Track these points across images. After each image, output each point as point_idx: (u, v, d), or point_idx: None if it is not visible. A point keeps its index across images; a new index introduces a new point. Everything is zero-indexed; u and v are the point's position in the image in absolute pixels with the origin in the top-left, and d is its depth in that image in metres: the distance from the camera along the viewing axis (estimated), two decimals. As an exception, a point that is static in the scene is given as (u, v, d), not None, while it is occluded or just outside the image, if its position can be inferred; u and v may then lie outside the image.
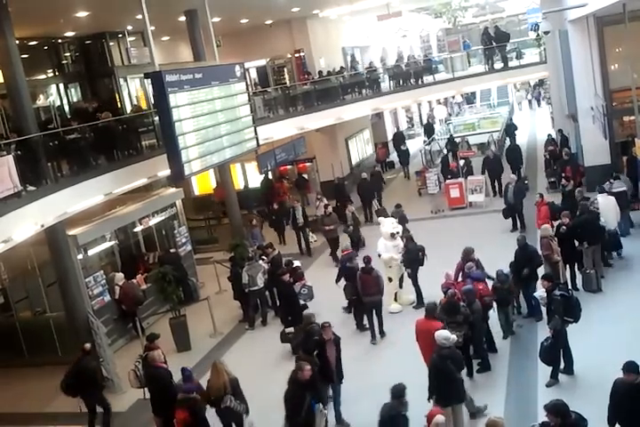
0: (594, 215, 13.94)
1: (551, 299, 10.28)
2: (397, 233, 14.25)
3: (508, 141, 28.23)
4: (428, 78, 27.18)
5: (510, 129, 29.17)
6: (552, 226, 14.15)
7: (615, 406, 7.64)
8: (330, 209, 18.62)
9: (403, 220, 16.92)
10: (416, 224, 18.48)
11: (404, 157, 28.38)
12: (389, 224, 14.47)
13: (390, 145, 32.88)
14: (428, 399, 8.85)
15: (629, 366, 7.52)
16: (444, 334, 8.98)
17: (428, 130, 33.63)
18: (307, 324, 10.82)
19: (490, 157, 21.95)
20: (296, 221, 19.34)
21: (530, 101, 47.01)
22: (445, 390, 8.81)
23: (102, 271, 14.67)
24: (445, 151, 27.28)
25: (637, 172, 15.42)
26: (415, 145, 33.63)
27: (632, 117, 16.21)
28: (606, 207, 14.19)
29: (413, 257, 13.96)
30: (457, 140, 28.64)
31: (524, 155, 24.82)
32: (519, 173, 21.78)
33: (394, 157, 31.40)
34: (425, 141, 30.72)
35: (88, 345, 11.48)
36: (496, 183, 21.76)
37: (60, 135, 13.00)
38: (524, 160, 24.16)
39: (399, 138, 30.99)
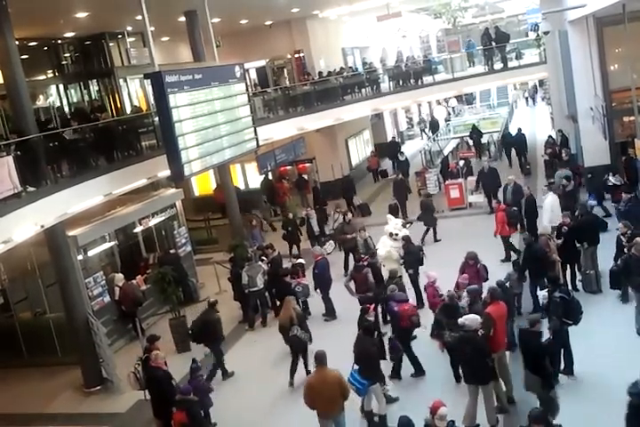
0: (593, 216, 14.01)
1: (551, 300, 10.27)
2: (396, 235, 14.23)
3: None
4: (427, 79, 27.18)
5: (506, 139, 26.98)
6: (508, 231, 15.47)
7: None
8: (349, 216, 17.88)
9: (429, 209, 18.09)
10: (416, 225, 18.50)
11: (404, 168, 25.73)
12: (393, 224, 14.53)
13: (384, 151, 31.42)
14: (458, 380, 9.66)
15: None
16: (471, 317, 9.28)
17: (434, 126, 34.56)
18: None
19: (484, 170, 20.49)
20: (312, 229, 19.06)
21: (526, 99, 47.32)
22: (468, 369, 9.19)
23: (102, 272, 14.67)
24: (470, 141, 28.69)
25: (636, 172, 15.41)
26: (415, 146, 33.75)
27: (632, 118, 16.21)
28: (552, 205, 15.28)
29: (414, 258, 13.96)
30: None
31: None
32: (525, 159, 24.60)
33: (387, 164, 29.89)
34: (430, 137, 31.46)
35: (213, 299, 12.56)
36: (492, 199, 19.71)
37: (60, 136, 12.99)
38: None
39: (394, 147, 29.33)
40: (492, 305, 9.89)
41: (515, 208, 16.25)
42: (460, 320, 9.19)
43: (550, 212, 15.31)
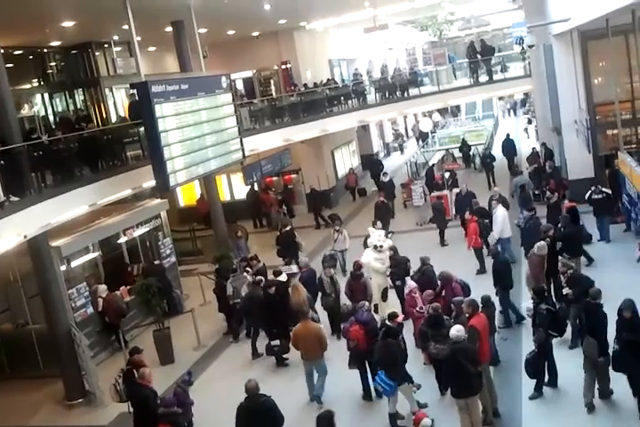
0: (577, 228, 14.10)
1: (537, 312, 10.29)
2: (381, 246, 14.22)
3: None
4: (413, 91, 27.35)
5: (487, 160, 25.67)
6: (480, 243, 15.66)
7: None
8: (404, 229, 17.20)
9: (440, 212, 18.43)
10: (401, 236, 18.52)
11: (387, 189, 22.87)
12: (376, 236, 14.48)
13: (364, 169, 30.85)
14: (443, 393, 9.54)
15: None
16: (457, 327, 9.19)
17: (423, 136, 34.77)
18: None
19: (462, 193, 19.50)
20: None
21: (509, 111, 47.90)
22: (457, 382, 9.05)
23: (85, 283, 14.51)
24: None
25: (620, 185, 15.53)
26: (401, 158, 33.94)
27: (615, 131, 16.36)
28: (502, 218, 15.90)
29: (402, 269, 13.94)
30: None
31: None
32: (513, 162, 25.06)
33: (366, 181, 28.88)
34: (419, 145, 32.20)
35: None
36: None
37: (45, 145, 12.89)
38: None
39: (376, 166, 27.89)
40: (474, 317, 9.88)
41: (486, 220, 16.33)
42: (453, 332, 9.13)
43: (501, 224, 15.76)
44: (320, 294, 13.87)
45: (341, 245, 17.41)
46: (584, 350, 9.65)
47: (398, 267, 14.06)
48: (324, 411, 8.65)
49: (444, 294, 11.73)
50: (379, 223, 16.42)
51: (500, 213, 16.14)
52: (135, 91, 13.39)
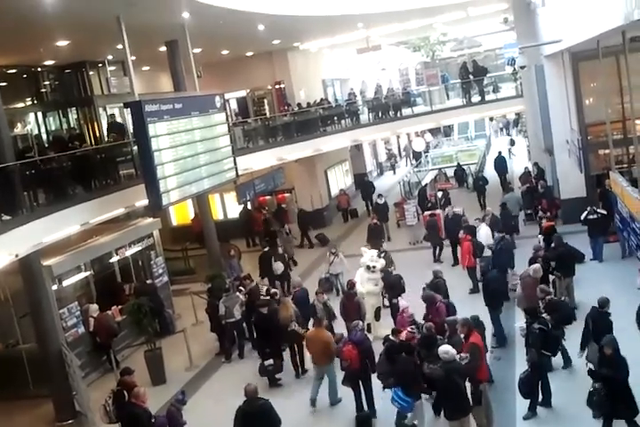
0: (569, 248, 14.13)
1: (530, 332, 10.26)
2: (374, 267, 14.17)
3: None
4: (406, 111, 27.53)
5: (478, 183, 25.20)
6: (474, 262, 15.55)
7: None
8: (397, 247, 16.70)
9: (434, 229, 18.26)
10: (395, 255, 18.43)
11: (381, 212, 22.40)
12: (368, 256, 14.43)
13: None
14: (437, 415, 9.38)
15: None
16: (445, 348, 9.13)
17: (416, 156, 35.55)
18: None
19: (448, 217, 19.05)
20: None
21: (501, 129, 48.24)
22: (451, 403, 8.98)
23: (77, 302, 14.41)
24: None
25: (611, 204, 15.61)
26: (393, 178, 34.08)
27: (607, 151, 16.46)
28: (486, 237, 16.28)
29: (397, 287, 13.99)
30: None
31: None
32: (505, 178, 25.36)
33: (357, 202, 28.39)
34: (412, 164, 32.65)
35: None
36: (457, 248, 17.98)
37: (38, 164, 12.87)
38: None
39: (368, 187, 27.51)
40: (473, 335, 9.85)
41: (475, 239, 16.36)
42: (442, 355, 9.06)
43: (485, 242, 16.00)
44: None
45: (337, 268, 17.08)
46: (587, 355, 9.91)
47: (392, 287, 14.07)
48: (362, 413, 9.71)
49: (430, 315, 11.66)
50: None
51: (482, 231, 16.39)
52: (127, 110, 13.43)
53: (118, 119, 18.17)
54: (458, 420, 9.02)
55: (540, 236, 15.84)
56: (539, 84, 20.87)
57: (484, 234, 16.38)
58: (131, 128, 14.53)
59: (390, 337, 10.40)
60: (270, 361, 12.57)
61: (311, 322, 12.35)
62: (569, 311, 11.39)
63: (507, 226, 17.41)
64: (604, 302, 10.08)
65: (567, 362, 11.15)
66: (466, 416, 9.08)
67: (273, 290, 14.61)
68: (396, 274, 14.45)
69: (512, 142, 36.79)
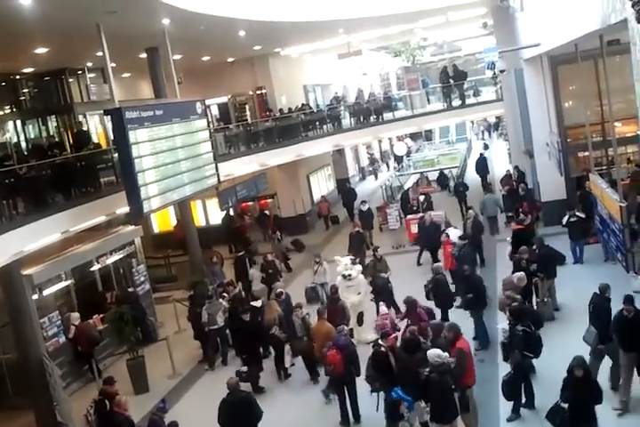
0: (551, 250, 14.23)
1: (513, 334, 10.29)
2: (349, 275, 14.15)
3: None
4: (388, 115, 27.62)
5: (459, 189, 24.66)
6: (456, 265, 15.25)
7: None
8: (380, 252, 15.91)
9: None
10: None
11: (367, 220, 21.97)
12: (343, 265, 14.45)
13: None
14: (432, 420, 9.18)
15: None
16: (436, 352, 9.10)
17: (398, 160, 35.77)
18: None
19: (425, 224, 18.66)
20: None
21: (483, 132, 48.58)
22: (445, 406, 8.95)
23: (58, 312, 14.27)
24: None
25: (591, 206, 15.73)
26: (375, 183, 34.15)
27: (586, 153, 16.60)
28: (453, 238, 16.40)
29: (384, 291, 14.11)
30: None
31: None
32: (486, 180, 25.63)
33: (338, 209, 27.99)
34: (395, 167, 33.14)
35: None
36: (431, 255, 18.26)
37: (17, 172, 12.74)
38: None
39: (348, 194, 27.31)
40: (459, 340, 9.86)
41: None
42: (434, 359, 9.04)
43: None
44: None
45: (321, 278, 16.73)
46: (584, 337, 10.30)
47: (380, 290, 14.15)
48: None
49: (408, 320, 11.63)
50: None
51: (452, 233, 16.64)
52: (109, 117, 13.35)
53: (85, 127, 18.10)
54: (449, 423, 9.02)
55: (508, 239, 15.98)
56: (518, 88, 21.04)
57: (453, 237, 16.46)
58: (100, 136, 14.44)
59: (380, 342, 10.35)
60: (244, 368, 12.48)
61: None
62: (538, 316, 11.48)
63: (475, 235, 17.52)
64: (604, 288, 10.38)
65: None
66: (455, 419, 9.10)
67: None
68: (384, 278, 14.49)
69: (485, 147, 37.13)
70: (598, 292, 10.45)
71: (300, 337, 12.86)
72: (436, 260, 17.45)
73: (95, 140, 18.94)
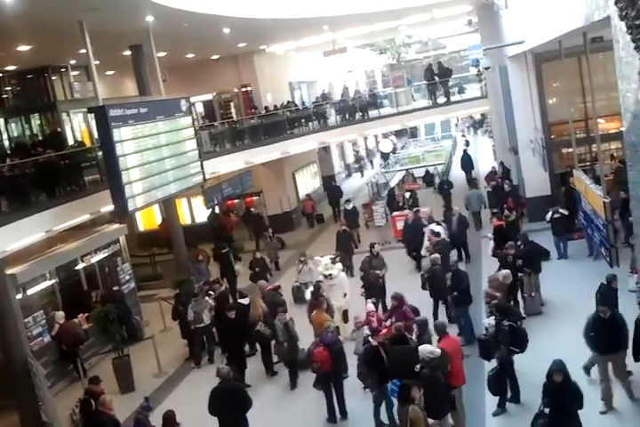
0: (535, 246, 14.32)
1: (499, 329, 10.34)
2: (330, 275, 14.18)
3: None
4: (373, 113, 27.64)
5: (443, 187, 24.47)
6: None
7: None
8: (377, 248, 15.75)
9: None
10: (364, 256, 18.49)
11: (350, 218, 21.67)
12: (322, 266, 14.48)
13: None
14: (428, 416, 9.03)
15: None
16: (429, 348, 9.14)
17: (385, 156, 35.90)
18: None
19: (408, 222, 18.71)
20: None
21: (468, 128, 48.86)
22: (440, 401, 8.96)
23: (42, 311, 14.18)
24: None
25: (575, 202, 15.84)
26: (361, 180, 34.17)
27: (570, 150, 16.67)
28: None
29: (375, 286, 14.22)
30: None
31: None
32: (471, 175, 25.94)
33: (323, 207, 27.76)
34: (381, 164, 33.27)
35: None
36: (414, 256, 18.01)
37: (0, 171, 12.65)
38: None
39: (334, 192, 27.00)
40: (443, 340, 9.86)
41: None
42: (427, 355, 9.06)
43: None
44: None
45: (306, 277, 16.67)
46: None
47: (369, 286, 14.25)
48: None
49: (393, 317, 11.64)
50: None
51: (435, 230, 16.63)
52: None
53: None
54: (443, 418, 9.09)
55: (489, 235, 16.07)
56: (503, 85, 21.12)
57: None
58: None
59: (369, 338, 10.33)
60: (222, 366, 12.41)
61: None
62: (518, 313, 11.63)
63: (460, 232, 17.71)
64: (611, 278, 10.90)
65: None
66: (446, 415, 9.17)
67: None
68: (374, 273, 14.54)
69: (467, 143, 37.36)
70: (605, 282, 10.90)
71: (282, 342, 12.47)
72: (419, 258, 17.43)
73: (71, 141, 18.82)
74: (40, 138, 17.87)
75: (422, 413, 8.57)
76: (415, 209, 19.69)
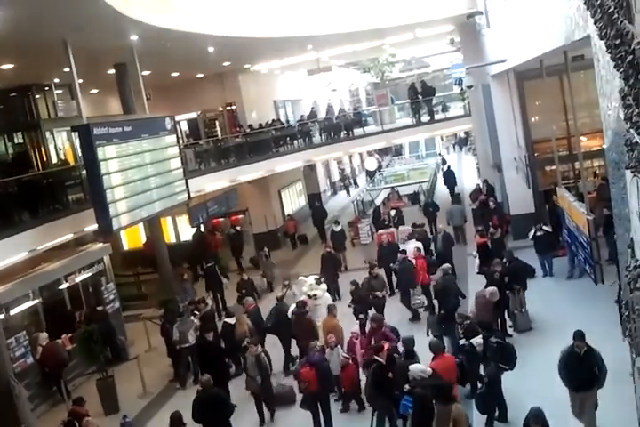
0: (521, 262, 14.39)
1: (487, 346, 10.32)
2: (314, 295, 14.13)
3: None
4: (358, 131, 27.79)
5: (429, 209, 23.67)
6: (429, 279, 15.51)
7: None
8: (376, 271, 15.62)
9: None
10: (349, 275, 18.46)
11: (339, 240, 21.01)
12: (307, 286, 14.45)
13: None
14: None
15: None
16: (420, 367, 9.12)
17: (370, 174, 36.42)
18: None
19: (383, 244, 18.47)
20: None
21: (454, 146, 49.36)
22: (430, 420, 8.81)
23: (25, 332, 13.98)
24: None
25: (559, 219, 15.93)
26: (347, 198, 34.24)
27: (553, 167, 16.80)
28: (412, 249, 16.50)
29: (366, 302, 14.31)
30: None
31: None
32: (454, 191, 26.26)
33: (306, 227, 27.33)
34: (367, 180, 33.81)
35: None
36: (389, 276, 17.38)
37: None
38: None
39: (318, 213, 26.19)
40: (436, 359, 9.82)
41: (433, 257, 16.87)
42: (418, 373, 9.00)
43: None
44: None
45: (290, 301, 15.77)
46: None
47: (360, 302, 14.28)
48: None
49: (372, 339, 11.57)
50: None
51: (410, 246, 16.84)
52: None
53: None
54: None
55: (473, 253, 16.12)
56: (486, 103, 21.31)
57: (413, 248, 16.54)
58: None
59: (376, 357, 10.15)
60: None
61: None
62: (496, 330, 11.66)
63: (445, 249, 17.69)
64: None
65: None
66: None
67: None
68: (376, 295, 14.66)
69: (443, 161, 37.82)
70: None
71: (253, 377, 11.76)
72: (392, 283, 17.24)
73: (54, 159, 18.73)
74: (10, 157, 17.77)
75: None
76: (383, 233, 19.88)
